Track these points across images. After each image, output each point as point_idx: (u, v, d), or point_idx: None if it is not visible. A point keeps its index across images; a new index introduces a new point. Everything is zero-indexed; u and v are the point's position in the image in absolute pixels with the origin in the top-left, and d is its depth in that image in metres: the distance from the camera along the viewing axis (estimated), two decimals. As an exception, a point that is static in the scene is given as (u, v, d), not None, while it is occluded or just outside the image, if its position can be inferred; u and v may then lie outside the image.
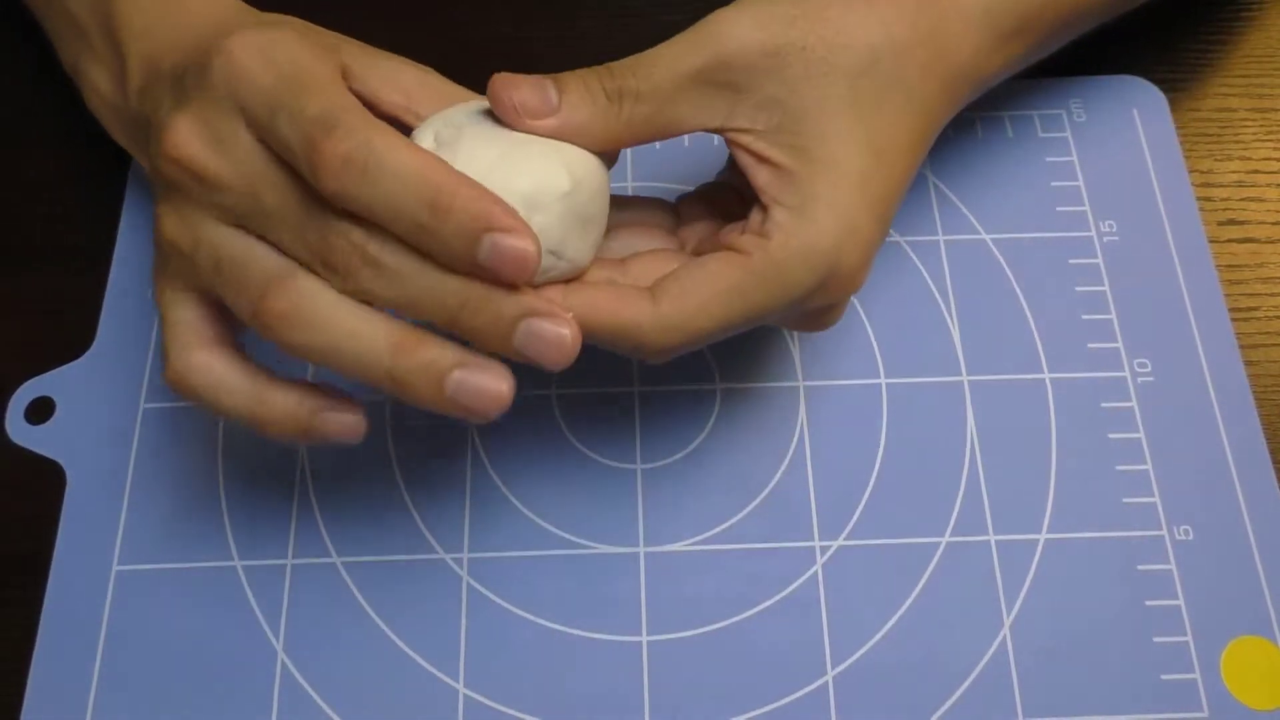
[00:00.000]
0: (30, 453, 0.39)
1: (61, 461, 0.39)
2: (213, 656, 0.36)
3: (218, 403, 0.31)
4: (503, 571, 0.37)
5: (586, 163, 0.31)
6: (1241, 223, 0.44)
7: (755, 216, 0.32)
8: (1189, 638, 0.36)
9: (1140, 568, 0.37)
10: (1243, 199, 0.44)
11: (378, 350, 0.29)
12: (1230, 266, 0.43)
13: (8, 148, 0.46)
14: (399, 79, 0.33)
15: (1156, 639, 0.36)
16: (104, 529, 0.38)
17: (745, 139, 0.32)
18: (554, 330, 0.28)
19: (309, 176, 0.28)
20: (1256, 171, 0.45)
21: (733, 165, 0.34)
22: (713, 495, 0.38)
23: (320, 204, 0.29)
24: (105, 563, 0.38)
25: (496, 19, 0.49)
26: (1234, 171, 0.45)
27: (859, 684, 0.36)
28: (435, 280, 0.28)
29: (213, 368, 0.31)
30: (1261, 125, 0.46)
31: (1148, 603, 0.37)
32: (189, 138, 0.30)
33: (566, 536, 0.38)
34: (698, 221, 0.35)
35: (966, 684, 0.36)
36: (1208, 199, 0.44)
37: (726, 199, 0.35)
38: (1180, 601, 0.37)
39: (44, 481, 0.39)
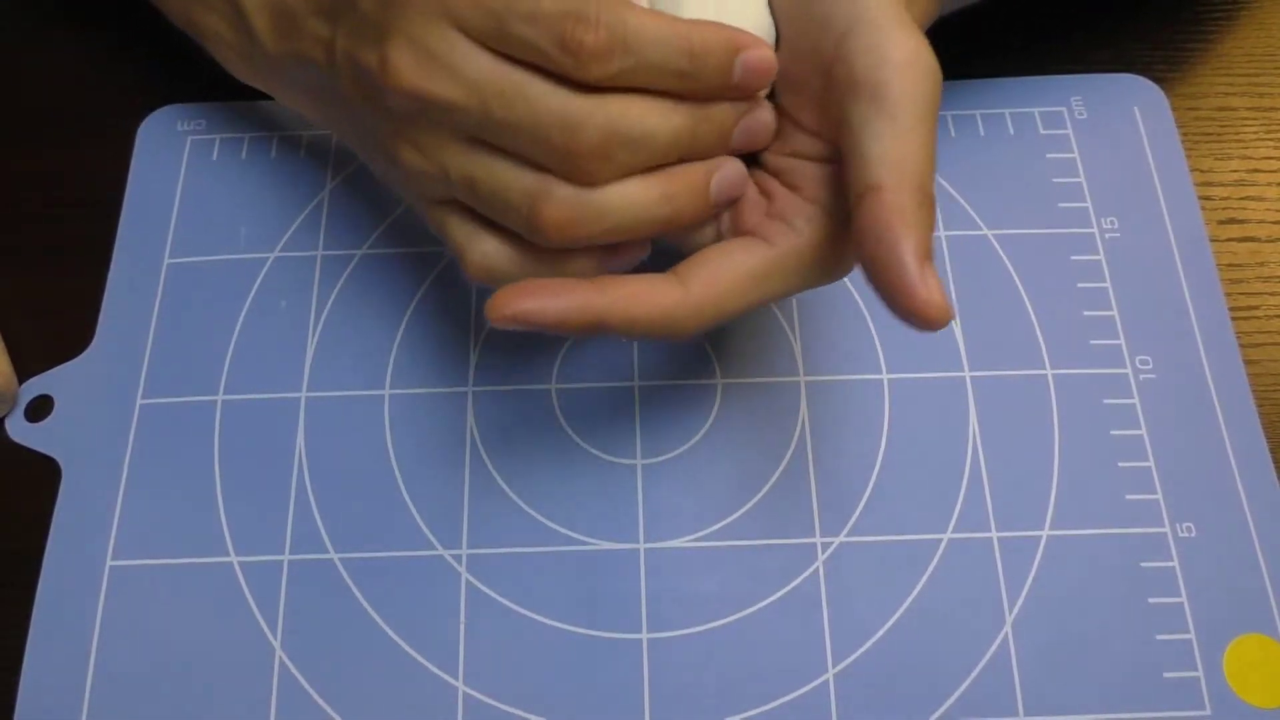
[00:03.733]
0: (27, 451, 0.39)
1: (57, 457, 0.39)
2: (209, 653, 0.36)
3: (521, 278, 0.32)
4: (502, 568, 0.37)
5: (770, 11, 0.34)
6: (1242, 221, 0.44)
7: (784, 199, 0.33)
8: (1191, 635, 0.36)
9: (1143, 565, 0.37)
10: (1243, 198, 0.44)
11: (651, 207, 0.32)
12: (1230, 265, 0.43)
13: (6, 145, 0.46)
14: None
15: (1159, 636, 0.36)
16: (98, 524, 0.38)
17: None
18: (762, 117, 0.33)
19: (572, 69, 0.29)
20: (1257, 170, 0.45)
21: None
22: (713, 491, 0.38)
23: (549, 104, 0.30)
24: (99, 558, 0.37)
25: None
26: (1234, 170, 0.45)
27: (860, 681, 0.35)
28: (675, 122, 0.31)
29: (502, 250, 0.33)
30: (1262, 124, 0.46)
31: (1150, 600, 0.37)
32: (408, 67, 0.30)
33: (566, 532, 0.38)
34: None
35: (968, 681, 0.35)
36: (1208, 198, 0.44)
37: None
38: (1183, 599, 0.37)
39: (41, 479, 0.39)
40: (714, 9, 0.32)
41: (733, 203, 0.33)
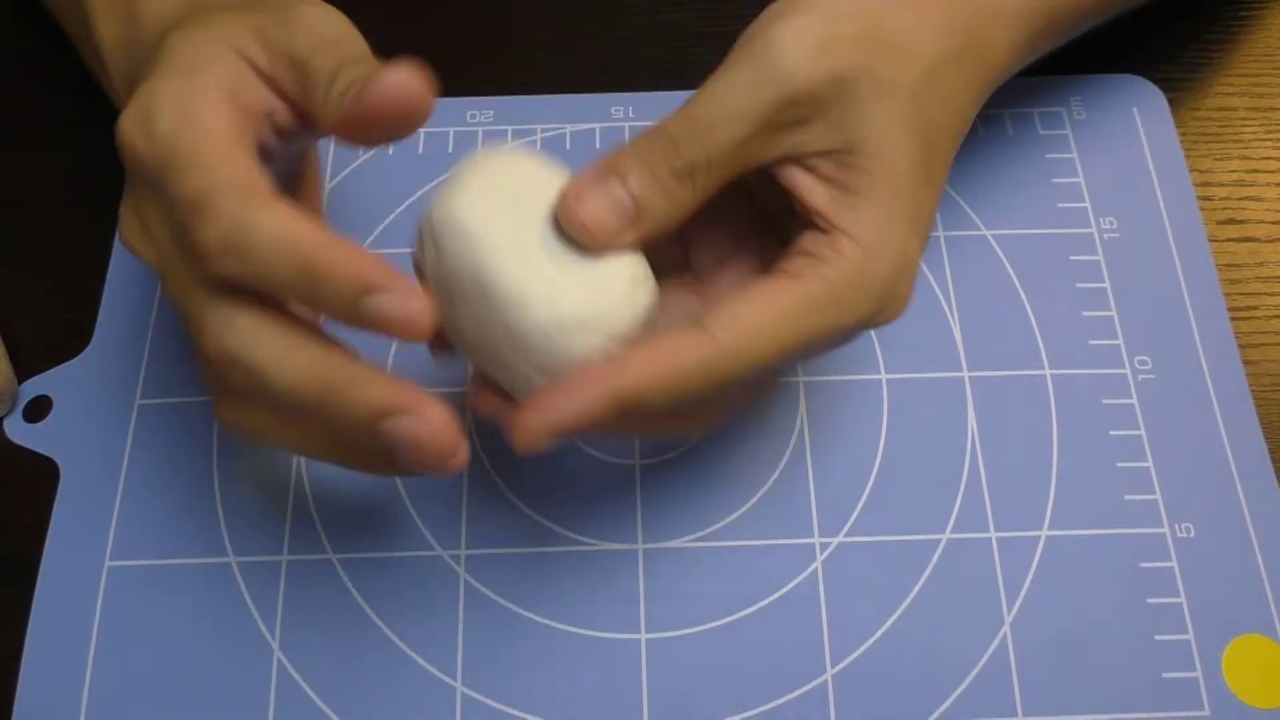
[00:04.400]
0: (26, 451, 0.39)
1: (55, 458, 0.39)
2: (207, 654, 0.36)
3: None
4: (500, 568, 0.37)
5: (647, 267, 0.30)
6: (1241, 221, 0.44)
7: (808, 239, 0.30)
8: (1190, 635, 0.36)
9: (1141, 565, 0.37)
10: (1242, 198, 0.44)
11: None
12: (1229, 265, 0.43)
13: (5, 146, 0.46)
14: (314, 35, 0.30)
15: (1157, 637, 0.36)
16: (96, 525, 0.38)
17: (809, 160, 0.30)
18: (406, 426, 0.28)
19: (191, 264, 0.28)
20: (1256, 171, 0.45)
21: (767, 183, 0.32)
22: (712, 491, 0.38)
23: (177, 293, 0.29)
24: (97, 559, 0.37)
25: (497, 19, 0.49)
26: (1233, 170, 0.45)
27: (859, 681, 0.35)
28: (298, 369, 0.28)
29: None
30: (1261, 124, 0.46)
31: (1149, 600, 0.37)
32: (125, 221, 0.31)
33: (564, 533, 0.38)
34: (710, 246, 0.34)
35: (967, 681, 0.35)
36: (1207, 198, 0.44)
37: (740, 219, 0.34)
38: (1182, 599, 0.37)
39: (40, 480, 0.39)
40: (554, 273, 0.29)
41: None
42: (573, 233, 0.29)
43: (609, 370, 0.28)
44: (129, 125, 0.29)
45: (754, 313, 0.29)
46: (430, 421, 0.27)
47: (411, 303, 0.27)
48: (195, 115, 0.29)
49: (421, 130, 0.44)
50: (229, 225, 0.27)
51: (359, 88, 0.28)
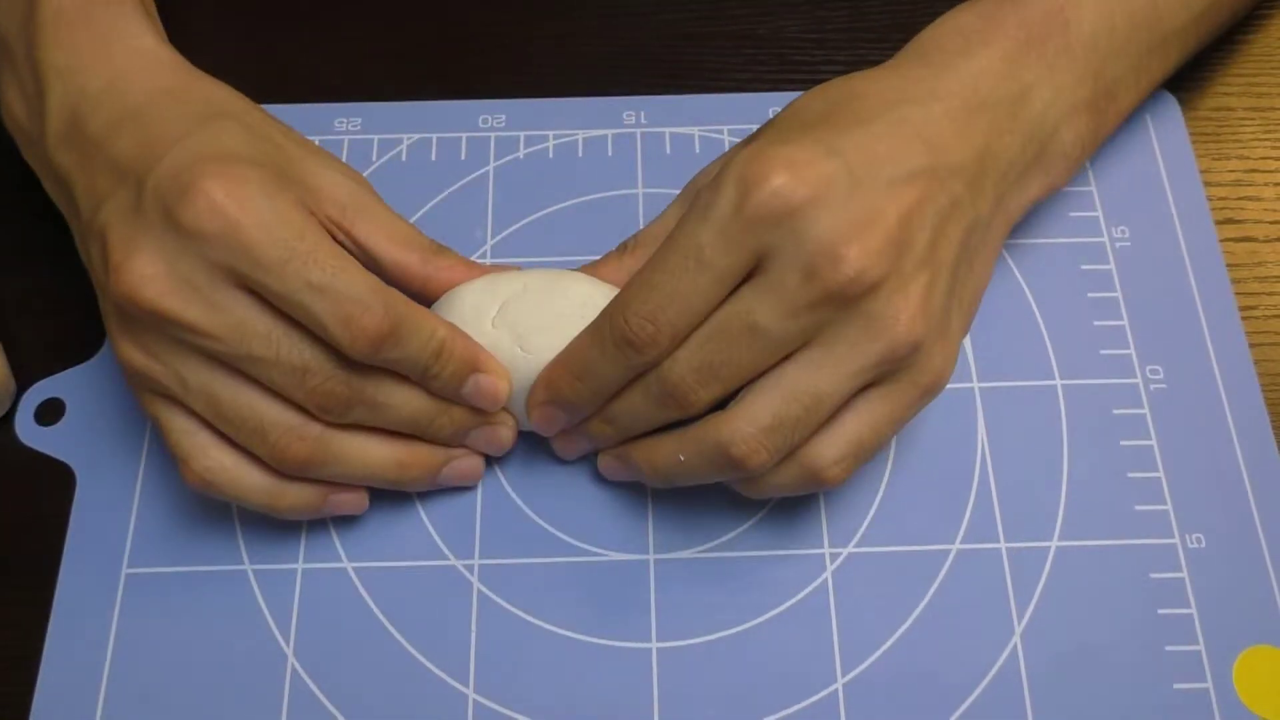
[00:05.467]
0: (40, 453, 0.40)
1: (71, 463, 0.39)
2: (223, 660, 0.36)
3: (240, 496, 0.35)
4: (513, 578, 0.37)
5: None
6: (1240, 221, 0.44)
7: None
8: (1201, 647, 0.36)
9: (1152, 576, 0.37)
10: (1241, 198, 0.44)
11: (384, 467, 0.35)
12: (1229, 265, 0.43)
13: (13, 150, 0.46)
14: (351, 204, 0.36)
15: (1168, 648, 0.36)
16: (113, 531, 0.38)
17: None
18: (500, 434, 0.37)
19: (345, 345, 0.32)
20: (1255, 170, 0.45)
21: None
22: (722, 502, 0.38)
23: (318, 354, 0.33)
24: (115, 565, 0.38)
25: (497, 19, 0.49)
26: (1232, 170, 0.45)
27: (869, 692, 0.36)
28: (415, 407, 0.35)
29: (227, 466, 0.34)
30: (1260, 124, 0.46)
31: (1160, 611, 0.37)
32: (155, 281, 0.32)
33: (576, 543, 0.38)
34: None
35: (977, 692, 0.36)
36: (1206, 198, 0.44)
37: None
38: (1192, 610, 0.37)
39: (53, 481, 0.39)
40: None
41: (462, 482, 0.38)
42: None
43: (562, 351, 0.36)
44: (229, 203, 0.31)
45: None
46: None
47: (502, 383, 0.36)
48: (284, 194, 0.33)
49: (434, 135, 0.45)
50: (396, 319, 0.32)
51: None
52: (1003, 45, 0.36)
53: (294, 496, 0.35)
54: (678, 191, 0.39)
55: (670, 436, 0.35)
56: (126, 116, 0.34)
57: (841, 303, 0.31)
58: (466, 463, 0.37)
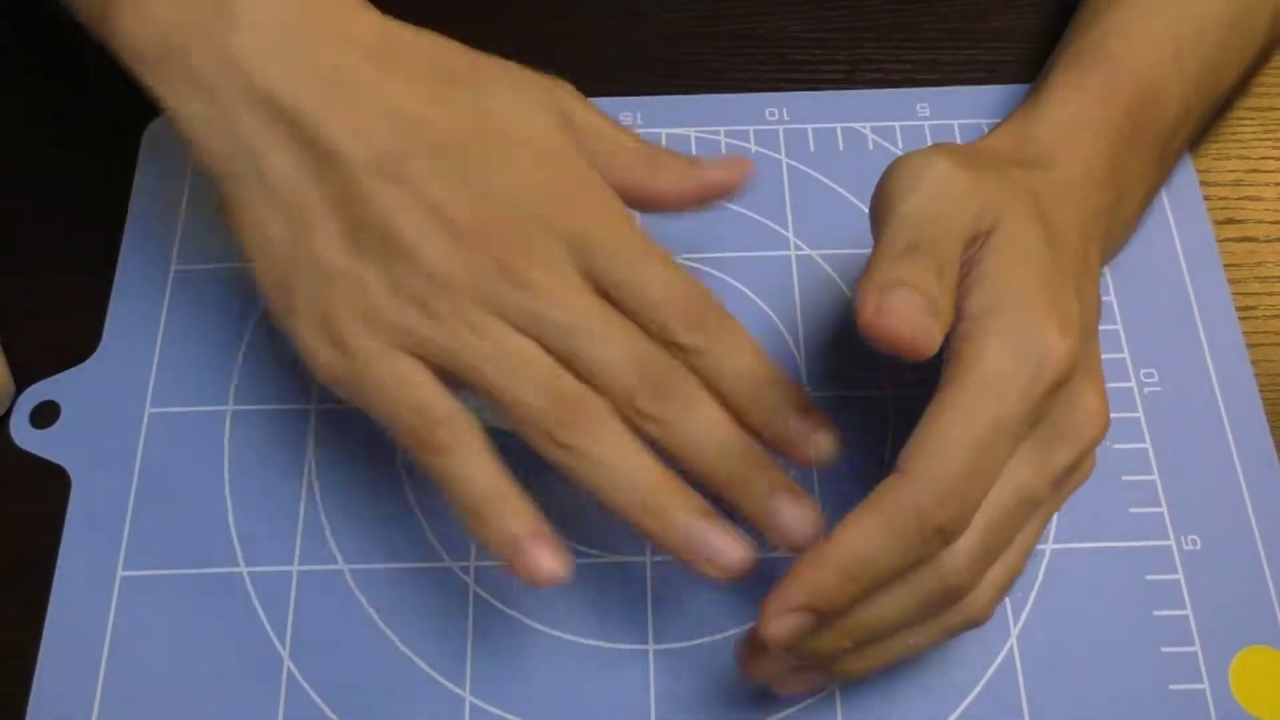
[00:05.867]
0: (35, 456, 0.39)
1: (66, 466, 0.39)
2: (218, 663, 0.36)
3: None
4: (509, 580, 0.37)
5: None
6: (1240, 221, 0.44)
7: (950, 342, 0.30)
8: (1197, 648, 0.36)
9: (1148, 578, 0.37)
10: (1241, 198, 0.44)
11: (639, 487, 0.31)
12: (1228, 265, 0.43)
13: (11, 150, 0.46)
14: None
15: (1164, 649, 0.36)
16: (109, 534, 0.38)
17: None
18: (798, 512, 0.32)
19: (681, 332, 0.31)
20: (1255, 170, 0.45)
21: None
22: (719, 506, 0.38)
23: (644, 347, 0.31)
24: (110, 568, 0.37)
25: (498, 19, 0.49)
26: (1232, 170, 0.45)
27: (865, 695, 0.36)
28: (731, 436, 0.31)
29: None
30: (1260, 124, 0.46)
31: (1155, 613, 0.37)
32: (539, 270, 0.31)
33: (572, 545, 0.38)
34: None
35: (973, 694, 0.36)
36: (1206, 198, 0.44)
37: None
38: (1188, 611, 0.37)
39: (48, 484, 0.39)
40: None
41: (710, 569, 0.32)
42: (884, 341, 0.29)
43: (825, 541, 0.29)
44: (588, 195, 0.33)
45: (924, 434, 0.28)
46: None
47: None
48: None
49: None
50: (726, 326, 0.33)
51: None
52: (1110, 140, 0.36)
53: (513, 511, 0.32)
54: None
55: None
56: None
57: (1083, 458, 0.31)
58: (728, 542, 0.31)
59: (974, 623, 0.31)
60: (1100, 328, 0.41)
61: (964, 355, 0.29)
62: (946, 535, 0.28)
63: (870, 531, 0.28)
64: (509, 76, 0.35)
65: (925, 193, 0.31)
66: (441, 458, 0.31)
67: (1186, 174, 0.44)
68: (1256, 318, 0.42)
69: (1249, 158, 0.45)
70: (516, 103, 0.34)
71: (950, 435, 0.28)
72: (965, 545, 0.29)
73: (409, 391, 0.31)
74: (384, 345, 0.31)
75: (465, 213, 0.31)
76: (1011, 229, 0.31)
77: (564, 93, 0.35)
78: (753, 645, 0.32)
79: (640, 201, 0.35)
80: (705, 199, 0.35)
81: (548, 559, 0.31)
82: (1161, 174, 0.40)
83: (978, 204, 0.31)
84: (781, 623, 0.29)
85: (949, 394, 0.29)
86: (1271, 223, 0.44)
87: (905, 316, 0.28)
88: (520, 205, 0.32)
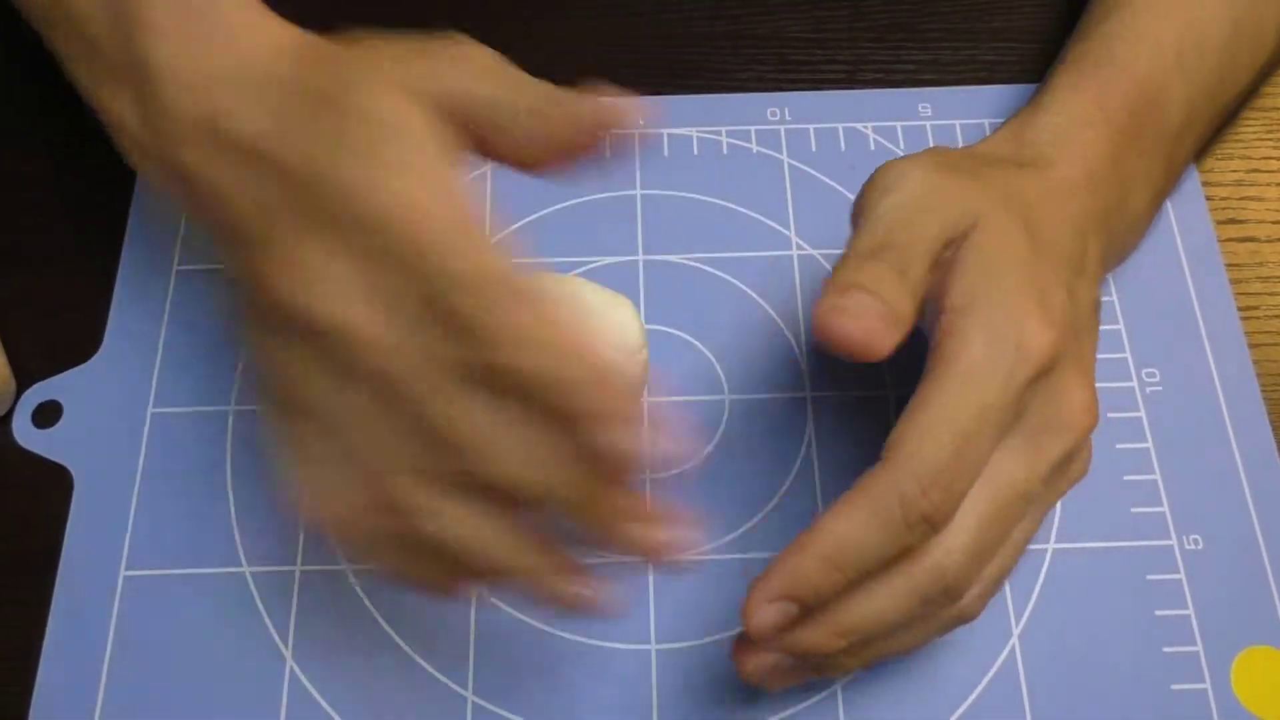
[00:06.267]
0: (38, 455, 0.39)
1: (69, 466, 0.39)
2: (221, 663, 0.36)
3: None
4: (511, 580, 0.37)
5: None
6: (1242, 221, 0.44)
7: (934, 335, 0.31)
8: (1199, 648, 0.36)
9: (1149, 577, 0.37)
10: (1243, 198, 0.44)
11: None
12: (1230, 265, 0.43)
13: (12, 150, 0.46)
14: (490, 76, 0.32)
15: (1166, 649, 0.36)
16: (112, 534, 0.38)
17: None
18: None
19: (482, 351, 0.27)
20: (1256, 170, 0.45)
21: None
22: (720, 505, 0.38)
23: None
24: (113, 568, 0.38)
25: (498, 20, 0.49)
26: (1234, 170, 0.45)
27: (868, 693, 0.36)
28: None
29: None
30: (1262, 124, 0.46)
31: (1157, 612, 0.37)
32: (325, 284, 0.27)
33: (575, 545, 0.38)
34: None
35: (976, 693, 0.36)
36: (1208, 198, 0.44)
37: None
38: (1190, 611, 0.37)
39: (51, 483, 0.39)
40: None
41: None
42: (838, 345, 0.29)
43: (808, 529, 0.29)
44: (398, 186, 0.27)
45: (907, 424, 0.29)
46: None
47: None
48: (457, 193, 0.28)
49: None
50: (537, 317, 0.26)
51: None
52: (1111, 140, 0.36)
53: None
54: (676, 193, 0.39)
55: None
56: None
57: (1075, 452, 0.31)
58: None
59: (964, 619, 0.31)
60: (1102, 326, 0.41)
61: (945, 348, 0.29)
62: (931, 523, 0.28)
63: (853, 519, 0.28)
64: (372, 99, 0.29)
65: (900, 196, 0.31)
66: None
67: (1188, 174, 0.44)
68: (1258, 317, 0.42)
69: (1251, 158, 0.45)
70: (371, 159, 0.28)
71: (933, 425, 0.28)
72: (960, 542, 0.29)
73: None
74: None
75: None
76: (991, 227, 0.31)
77: (452, 72, 0.31)
78: (746, 641, 0.31)
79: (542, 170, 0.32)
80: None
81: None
82: (1170, 178, 0.40)
83: (955, 207, 0.31)
84: (765, 613, 0.29)
85: (931, 385, 0.29)
86: (1273, 223, 0.44)
87: (856, 319, 0.28)
88: None
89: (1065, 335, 0.30)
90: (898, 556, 0.29)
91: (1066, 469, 0.32)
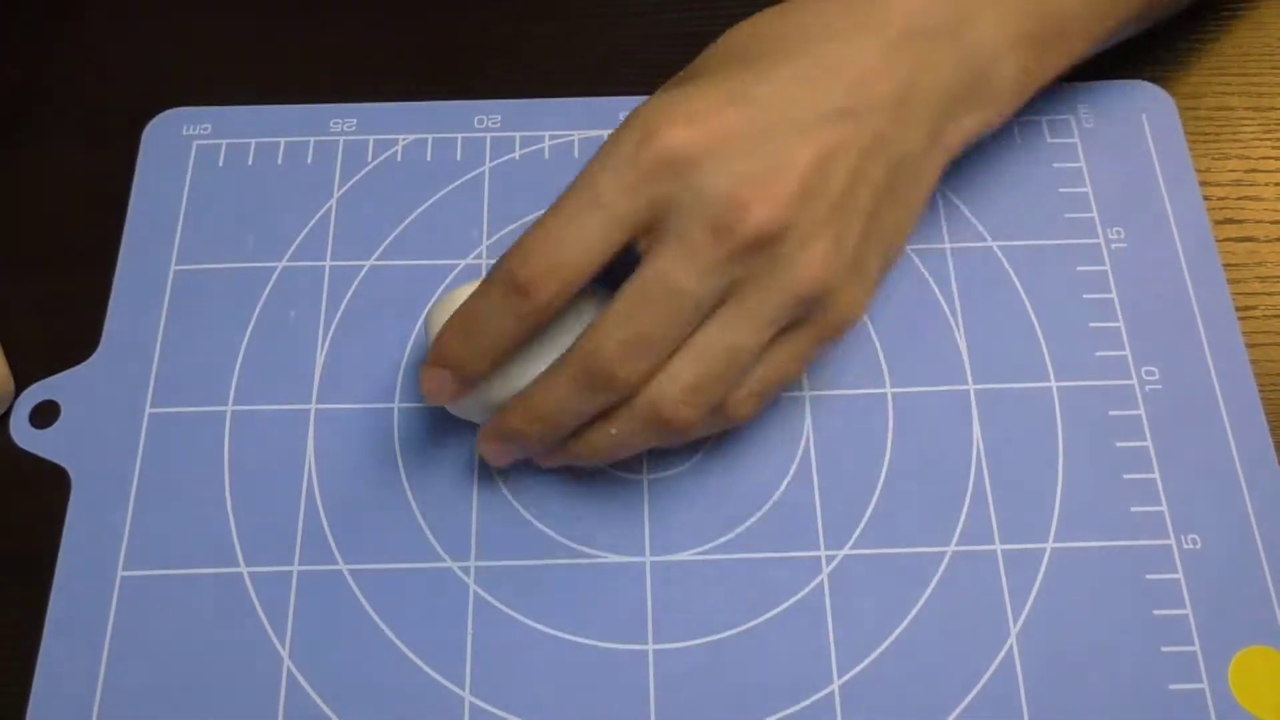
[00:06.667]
0: (35, 456, 0.39)
1: (66, 466, 0.39)
2: (218, 664, 0.36)
3: None
4: (509, 580, 0.37)
5: None
6: (1240, 221, 0.44)
7: None
8: (1197, 647, 0.36)
9: (1148, 577, 0.37)
10: (1241, 198, 0.44)
11: None
12: (1228, 265, 0.43)
13: (9, 149, 0.46)
14: None
15: (1164, 649, 0.36)
16: (109, 534, 0.38)
17: None
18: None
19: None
20: (1255, 170, 0.45)
21: None
22: (718, 505, 0.38)
23: None
24: (110, 568, 0.38)
25: (496, 20, 0.49)
26: (1232, 170, 0.45)
27: (865, 693, 0.36)
28: None
29: None
30: (1260, 124, 0.46)
31: (1155, 612, 0.37)
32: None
33: (573, 545, 0.38)
34: None
35: (973, 693, 0.36)
36: (1206, 198, 0.44)
37: None
38: (1188, 611, 0.37)
39: (49, 483, 0.39)
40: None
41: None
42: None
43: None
44: None
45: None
46: None
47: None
48: None
49: (429, 136, 0.45)
50: None
51: None
52: None
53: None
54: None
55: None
56: None
57: (750, 255, 0.31)
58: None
59: (673, 430, 0.33)
60: (1102, 325, 0.41)
61: None
62: (528, 289, 0.31)
63: (476, 294, 0.33)
64: None
65: None
66: None
67: (1185, 171, 0.44)
68: (1256, 317, 0.42)
69: (1249, 157, 0.45)
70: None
71: (548, 211, 0.32)
72: (610, 332, 0.32)
73: None
74: None
75: None
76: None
77: None
78: (489, 433, 0.36)
79: None
80: None
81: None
82: (1044, 26, 0.37)
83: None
84: (428, 378, 0.34)
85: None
86: (1271, 222, 0.44)
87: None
88: None
89: (781, 204, 0.31)
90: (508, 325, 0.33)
91: (801, 326, 0.34)
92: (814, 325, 0.34)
